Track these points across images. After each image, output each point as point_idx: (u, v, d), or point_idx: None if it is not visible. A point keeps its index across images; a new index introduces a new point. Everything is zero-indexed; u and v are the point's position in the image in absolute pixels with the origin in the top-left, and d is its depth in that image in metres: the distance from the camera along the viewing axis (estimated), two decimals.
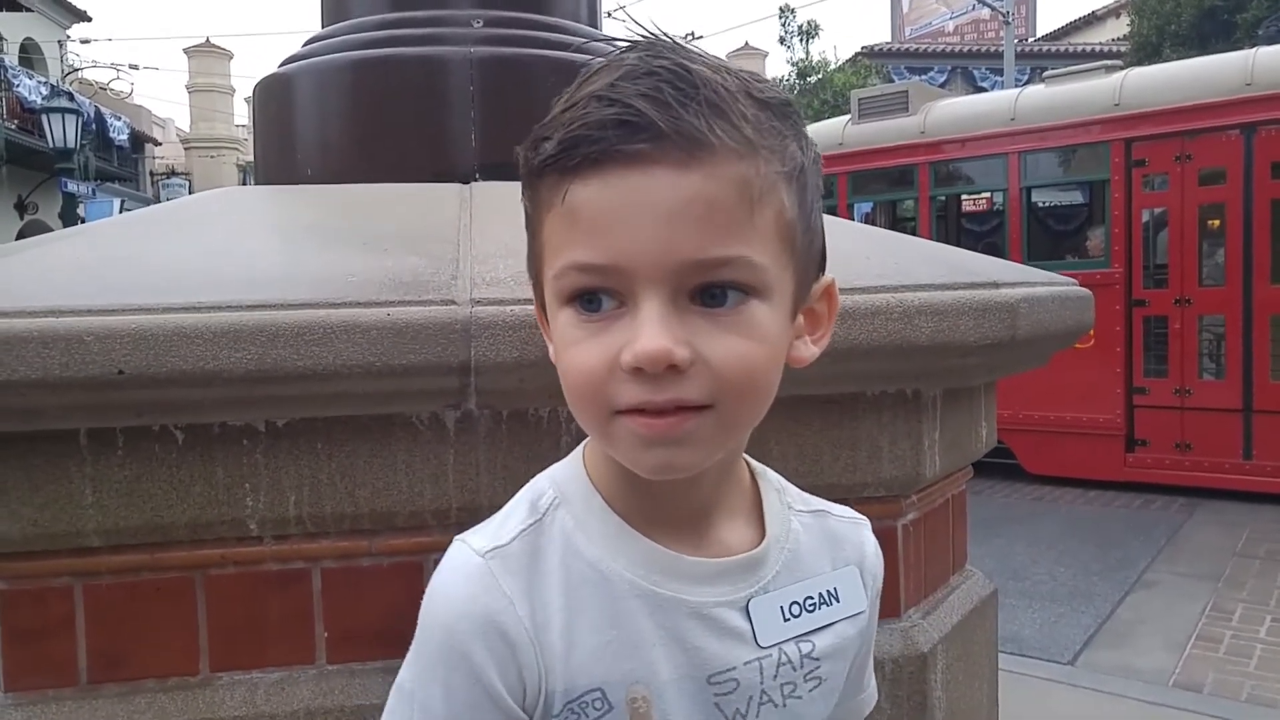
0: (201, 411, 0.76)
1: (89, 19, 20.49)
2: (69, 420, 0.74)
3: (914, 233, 5.81)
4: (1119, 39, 17.20)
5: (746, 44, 28.67)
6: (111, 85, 19.82)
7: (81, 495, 0.75)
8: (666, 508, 0.54)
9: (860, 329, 0.79)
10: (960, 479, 1.11)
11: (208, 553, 0.79)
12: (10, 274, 0.80)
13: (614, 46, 0.51)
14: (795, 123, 0.51)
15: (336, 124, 1.19)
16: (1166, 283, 5.60)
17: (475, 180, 1.13)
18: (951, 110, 6.35)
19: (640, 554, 0.53)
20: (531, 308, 0.75)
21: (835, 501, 0.64)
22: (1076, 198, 6.89)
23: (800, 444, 0.86)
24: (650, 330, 0.46)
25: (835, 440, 0.88)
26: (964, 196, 7.15)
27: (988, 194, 7.07)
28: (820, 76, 17.90)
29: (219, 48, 30.21)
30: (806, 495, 0.63)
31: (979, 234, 7.03)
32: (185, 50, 29.87)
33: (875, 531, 0.64)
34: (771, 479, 0.62)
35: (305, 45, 1.28)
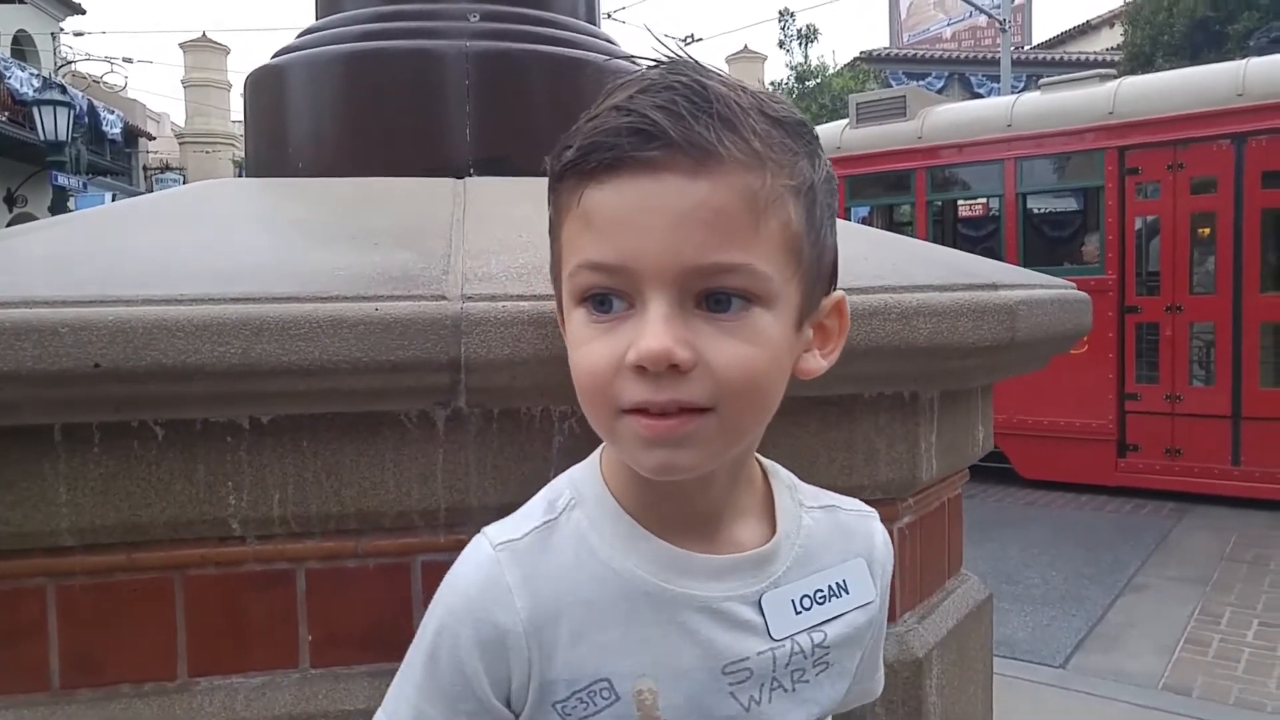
0: (182, 407, 0.73)
1: (83, 12, 20.37)
2: (42, 415, 0.71)
3: (910, 237, 5.81)
4: (1113, 48, 17.33)
5: (746, 47, 28.72)
6: (105, 79, 19.68)
7: (55, 493, 0.73)
8: (678, 509, 0.56)
9: (858, 330, 0.78)
10: (956, 482, 1.10)
11: (187, 553, 0.76)
12: None
13: (624, 57, 0.54)
14: (808, 141, 0.53)
15: (329, 117, 1.17)
16: (1158, 290, 5.64)
17: (470, 175, 1.11)
18: (949, 116, 6.37)
19: (651, 553, 0.56)
20: (524, 304, 0.74)
21: None
22: (1071, 204, 6.93)
23: (797, 446, 0.84)
24: (654, 330, 0.48)
25: (831, 442, 0.87)
26: (960, 201, 7.18)
27: (984, 199, 7.09)
28: (819, 81, 17.97)
29: (215, 42, 30.10)
30: (818, 491, 0.65)
31: (975, 239, 7.05)
32: (181, 44, 29.76)
33: None
34: (783, 477, 0.64)
35: (298, 37, 1.26)
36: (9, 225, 14.85)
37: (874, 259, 0.87)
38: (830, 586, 0.60)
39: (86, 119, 16.42)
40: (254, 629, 0.78)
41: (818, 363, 0.57)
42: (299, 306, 0.70)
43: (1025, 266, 1.31)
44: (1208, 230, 5.52)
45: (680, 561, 0.56)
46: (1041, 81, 6.45)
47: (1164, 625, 3.56)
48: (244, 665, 0.77)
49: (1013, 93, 8.26)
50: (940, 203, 6.75)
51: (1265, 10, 12.05)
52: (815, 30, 18.58)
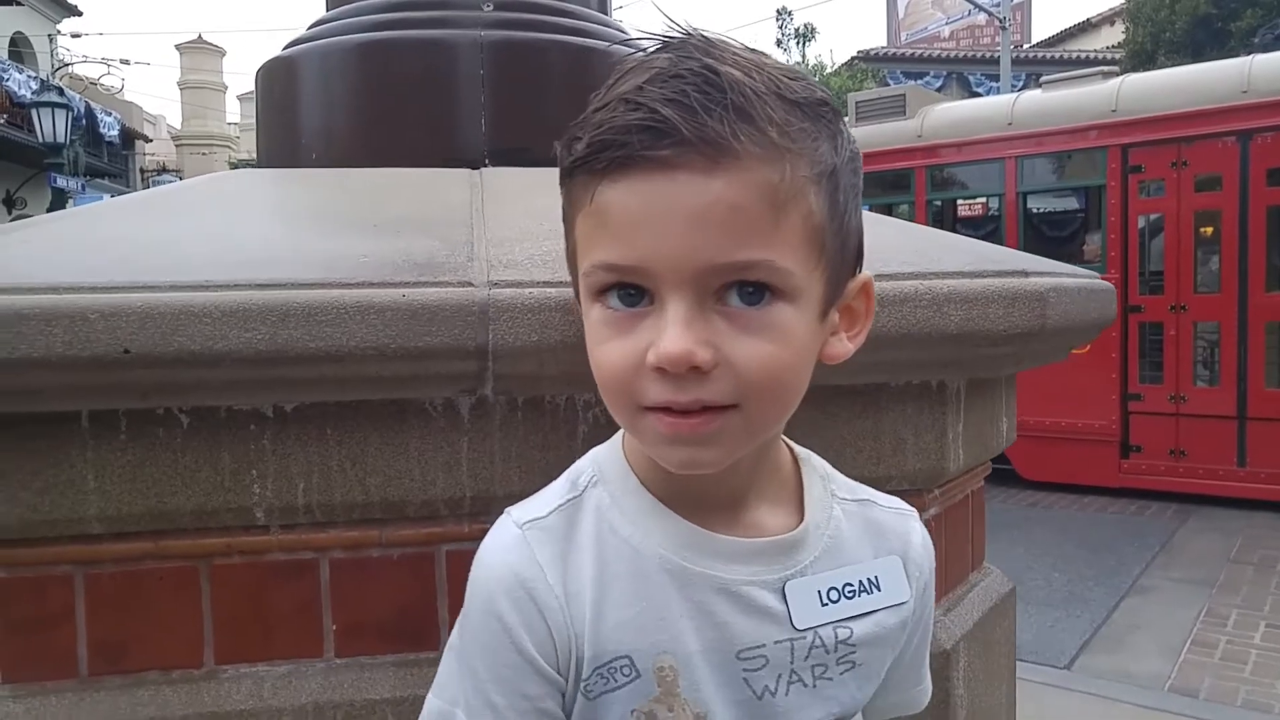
0: (208, 394, 0.73)
1: (80, 14, 20.33)
2: (71, 401, 0.71)
3: None
4: (1114, 46, 17.33)
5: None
6: (102, 81, 19.65)
7: (83, 480, 0.72)
8: (702, 489, 0.55)
9: (888, 316, 0.77)
10: (980, 474, 1.09)
11: (213, 541, 0.76)
12: (8, 251, 0.77)
13: (638, 48, 0.51)
14: (829, 121, 0.51)
15: (342, 108, 1.17)
16: (1162, 289, 5.62)
17: (485, 166, 1.10)
18: (949, 114, 6.36)
19: (672, 531, 0.55)
20: (551, 290, 0.74)
21: None
22: (1073, 203, 6.91)
23: (824, 436, 0.83)
24: (673, 332, 0.47)
25: (859, 431, 0.86)
26: (960, 201, 7.17)
27: (984, 198, 7.08)
28: (816, 80, 17.96)
29: (211, 44, 30.11)
30: (854, 484, 0.63)
31: (975, 238, 7.03)
32: (177, 46, 29.75)
33: None
34: (816, 465, 0.62)
35: (310, 28, 1.25)
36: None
37: (903, 246, 0.86)
38: (861, 582, 0.58)
39: (84, 121, 16.40)
40: (279, 618, 0.77)
41: (844, 346, 0.56)
42: (326, 293, 0.70)
43: None
44: (1212, 229, 5.51)
45: (702, 541, 0.55)
46: (1043, 79, 6.45)
47: (1170, 627, 3.54)
48: (269, 654, 0.77)
49: (1012, 92, 8.26)
50: (940, 202, 6.74)
51: (1268, 7, 12.05)
52: (813, 29, 18.65)
